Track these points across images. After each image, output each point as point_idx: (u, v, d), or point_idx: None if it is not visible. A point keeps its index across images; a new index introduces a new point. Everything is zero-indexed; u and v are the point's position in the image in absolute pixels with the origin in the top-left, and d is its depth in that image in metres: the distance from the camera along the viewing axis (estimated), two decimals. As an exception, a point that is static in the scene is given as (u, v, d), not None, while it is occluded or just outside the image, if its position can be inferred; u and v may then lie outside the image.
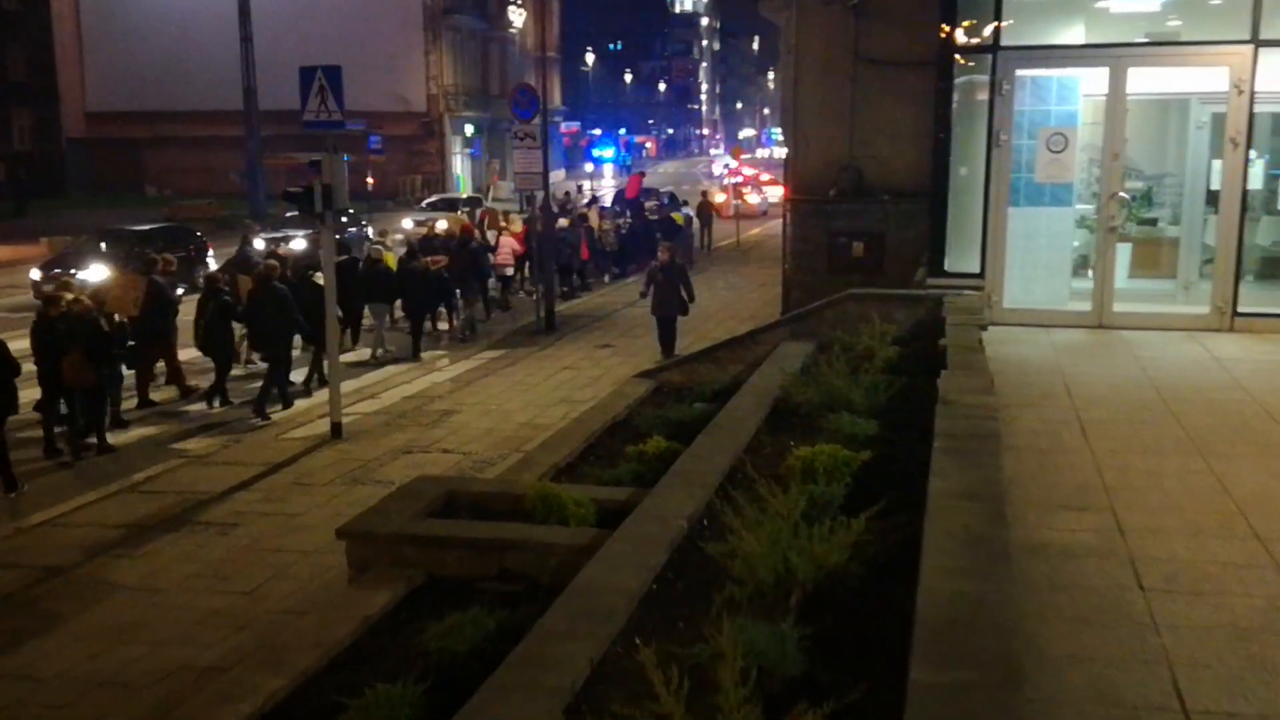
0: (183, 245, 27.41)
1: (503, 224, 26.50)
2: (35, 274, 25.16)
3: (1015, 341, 11.65)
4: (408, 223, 35.49)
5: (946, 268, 12.57)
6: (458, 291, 20.11)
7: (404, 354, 18.44)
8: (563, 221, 26.22)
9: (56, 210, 47.54)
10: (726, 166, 76.47)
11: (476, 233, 24.22)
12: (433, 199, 42.79)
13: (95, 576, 9.13)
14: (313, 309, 14.60)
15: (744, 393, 9.20)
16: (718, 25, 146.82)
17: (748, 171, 60.61)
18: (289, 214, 29.47)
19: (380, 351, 18.27)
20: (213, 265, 26.46)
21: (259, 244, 23.83)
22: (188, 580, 9.00)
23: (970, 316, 10.23)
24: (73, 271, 24.66)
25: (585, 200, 37.98)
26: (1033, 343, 11.77)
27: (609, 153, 76.25)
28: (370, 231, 33.27)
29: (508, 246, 24.02)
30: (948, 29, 12.41)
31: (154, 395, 15.53)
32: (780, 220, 20.47)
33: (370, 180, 49.52)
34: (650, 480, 7.58)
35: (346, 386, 15.22)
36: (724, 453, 7.45)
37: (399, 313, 19.76)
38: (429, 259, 19.47)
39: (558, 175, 75.50)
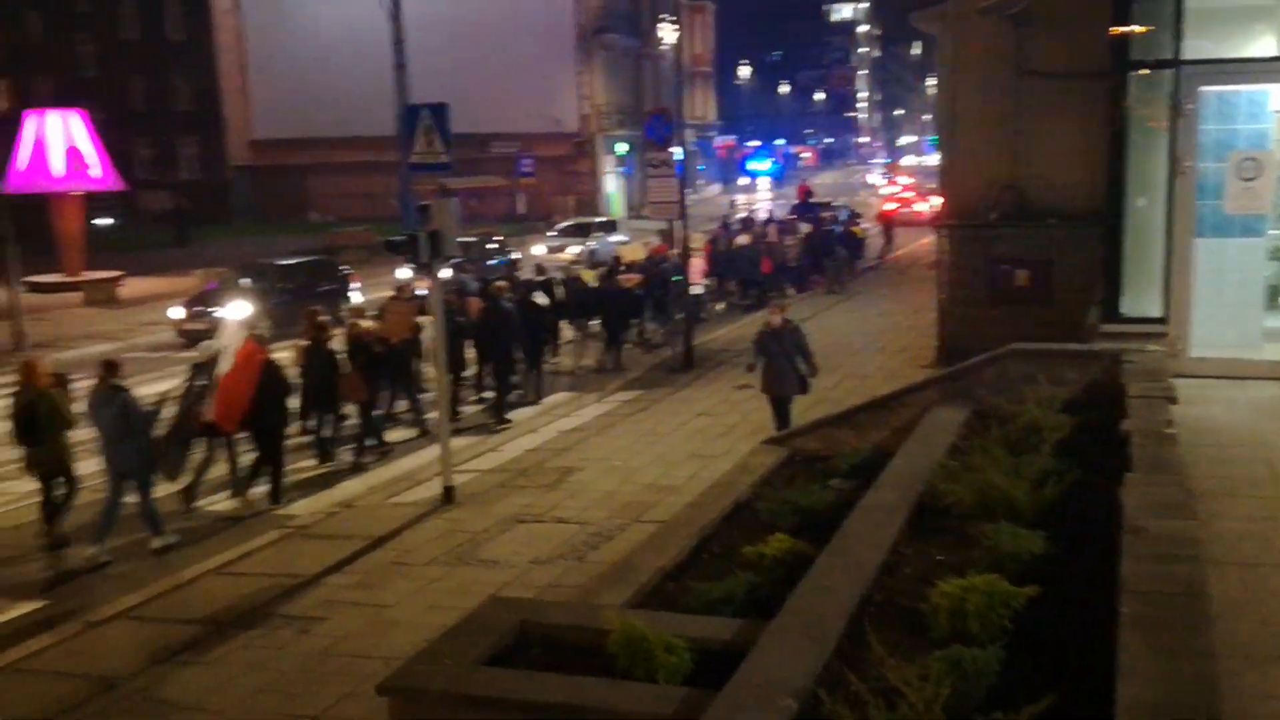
0: (327, 278, 27.27)
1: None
2: (178, 312, 25.12)
3: (1204, 400, 9.92)
4: (539, 248, 34.70)
5: (1123, 310, 10.92)
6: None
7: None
8: (743, 238, 27.32)
9: (220, 238, 48.59)
10: (885, 176, 74.28)
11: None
12: (566, 224, 41.92)
13: (149, 692, 8.24)
14: (535, 328, 17.04)
15: (883, 483, 7.75)
16: (877, 32, 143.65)
17: (903, 180, 58.81)
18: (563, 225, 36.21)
19: (586, 364, 19.84)
20: (356, 298, 26.30)
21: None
22: (251, 699, 8.04)
23: (1155, 384, 8.57)
24: (214, 310, 24.67)
25: (743, 215, 37.04)
26: (1225, 402, 10.02)
27: (764, 165, 74.60)
28: (514, 256, 32.84)
29: (697, 265, 24.25)
30: (1121, 40, 10.72)
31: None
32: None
33: (521, 203, 49.21)
34: (767, 600, 6.27)
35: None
36: (854, 578, 6.06)
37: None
38: (625, 277, 20.87)
39: (712, 190, 74.67)
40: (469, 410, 17.23)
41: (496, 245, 33.41)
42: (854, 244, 32.31)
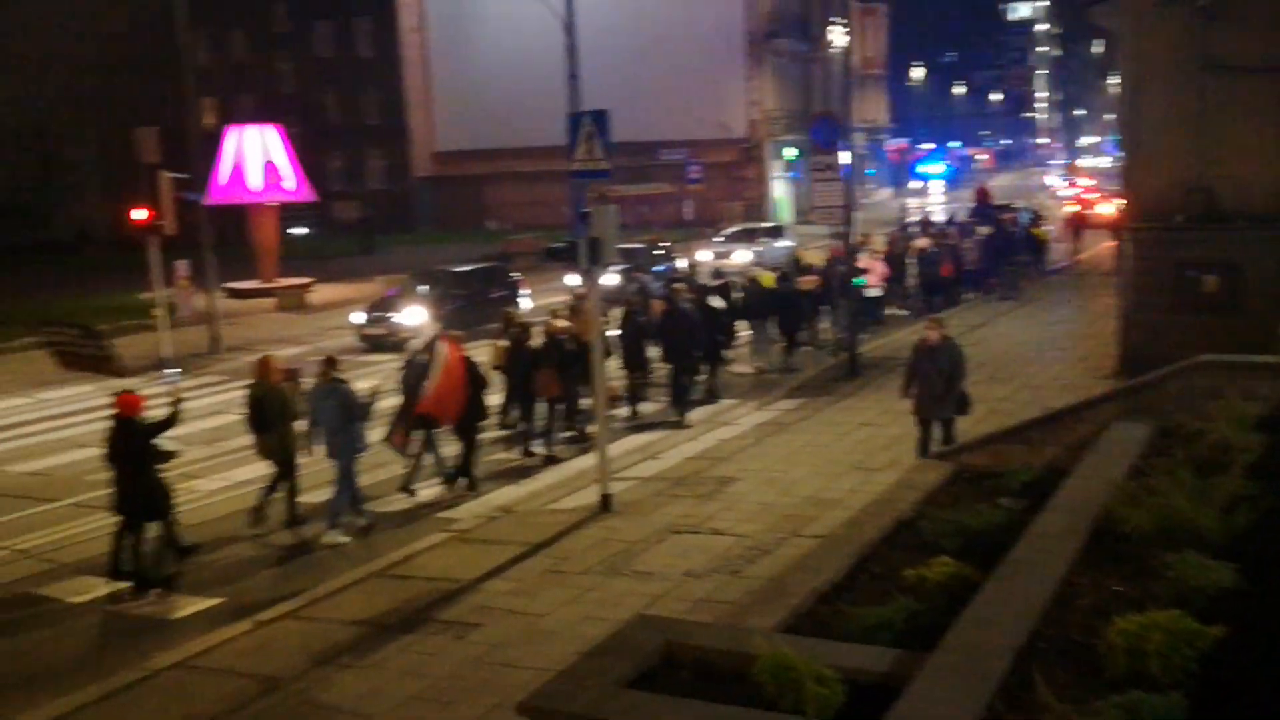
0: (498, 285, 27.73)
1: (868, 246, 27.40)
2: (359, 317, 25.90)
3: None
4: (705, 254, 34.50)
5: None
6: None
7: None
8: (922, 241, 27.24)
9: (404, 246, 50.13)
10: (1064, 178, 71.58)
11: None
12: (732, 230, 41.62)
13: (309, 694, 8.38)
14: (712, 329, 17.52)
15: (1056, 505, 7.28)
16: (1056, 30, 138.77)
17: (1084, 182, 56.69)
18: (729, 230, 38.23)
19: (762, 364, 20.07)
20: (525, 305, 26.68)
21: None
22: (406, 705, 8.08)
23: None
24: (392, 315, 25.35)
25: (919, 218, 36.36)
26: None
27: (936, 169, 72.59)
28: (679, 262, 32.82)
29: (877, 268, 24.55)
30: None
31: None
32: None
33: (686, 208, 49.16)
34: (927, 629, 5.94)
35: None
36: (1021, 610, 5.67)
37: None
38: (803, 279, 21.04)
39: (883, 194, 73.27)
40: (649, 408, 17.54)
41: (662, 251, 33.42)
42: (1037, 247, 31.67)
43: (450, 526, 12.39)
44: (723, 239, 39.40)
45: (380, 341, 24.31)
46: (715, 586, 9.85)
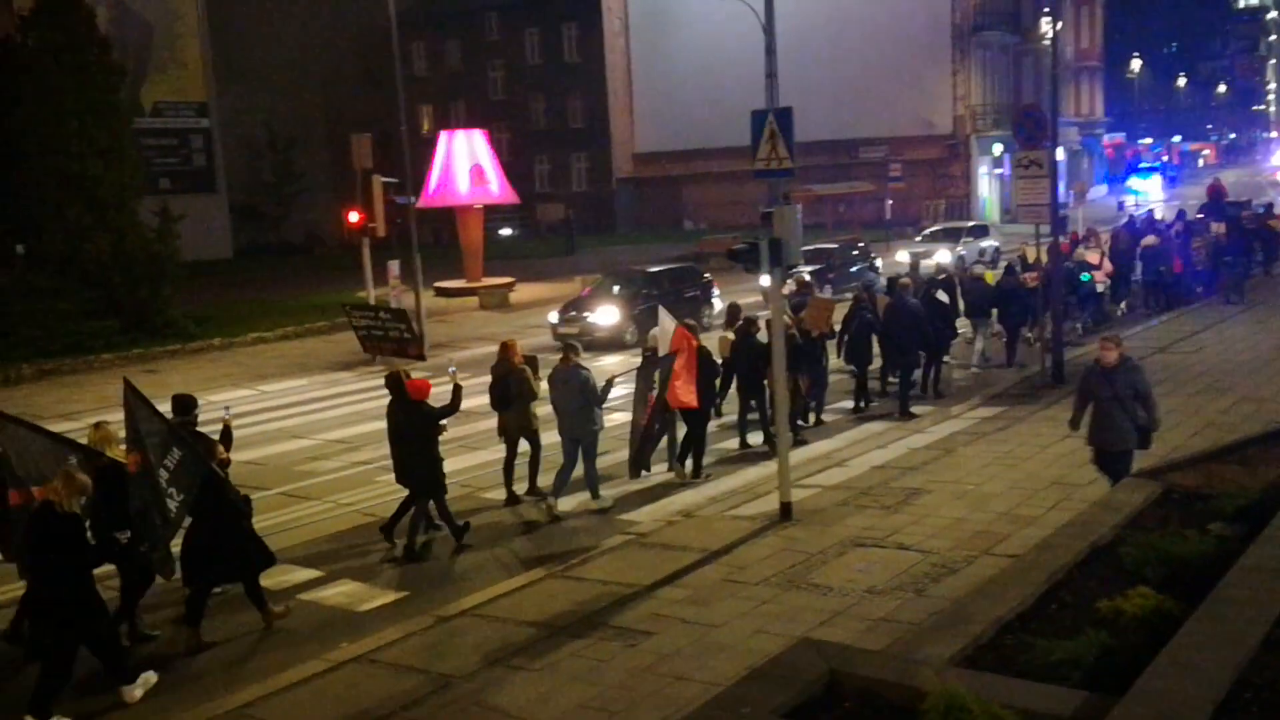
0: (690, 285, 27.71)
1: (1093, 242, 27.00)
2: (554, 317, 26.32)
3: None
4: (903, 255, 33.55)
5: None
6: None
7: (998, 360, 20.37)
8: (1150, 239, 26.60)
9: (604, 246, 50.84)
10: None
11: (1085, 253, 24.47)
12: (934, 228, 40.42)
13: (479, 696, 8.34)
14: (937, 324, 17.62)
15: (1271, 538, 6.61)
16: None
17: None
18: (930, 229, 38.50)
19: (979, 361, 20.14)
20: (718, 305, 26.59)
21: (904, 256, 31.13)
22: (574, 712, 7.94)
23: None
24: (585, 315, 25.61)
25: (1145, 214, 34.88)
26: None
27: (1146, 181, 67.85)
28: (877, 262, 32.12)
29: (1104, 264, 24.23)
30: None
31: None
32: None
33: (889, 206, 48.04)
34: (1120, 668, 5.46)
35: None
36: (1227, 654, 5.12)
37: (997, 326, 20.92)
38: (1026, 275, 20.69)
39: (1099, 190, 69.91)
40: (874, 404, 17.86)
41: (859, 251, 32.75)
42: (1272, 240, 30.31)
43: (629, 529, 12.30)
44: (922, 238, 38.35)
45: (574, 340, 24.51)
46: (897, 606, 9.41)
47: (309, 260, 50.55)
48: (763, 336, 14.74)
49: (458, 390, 12.20)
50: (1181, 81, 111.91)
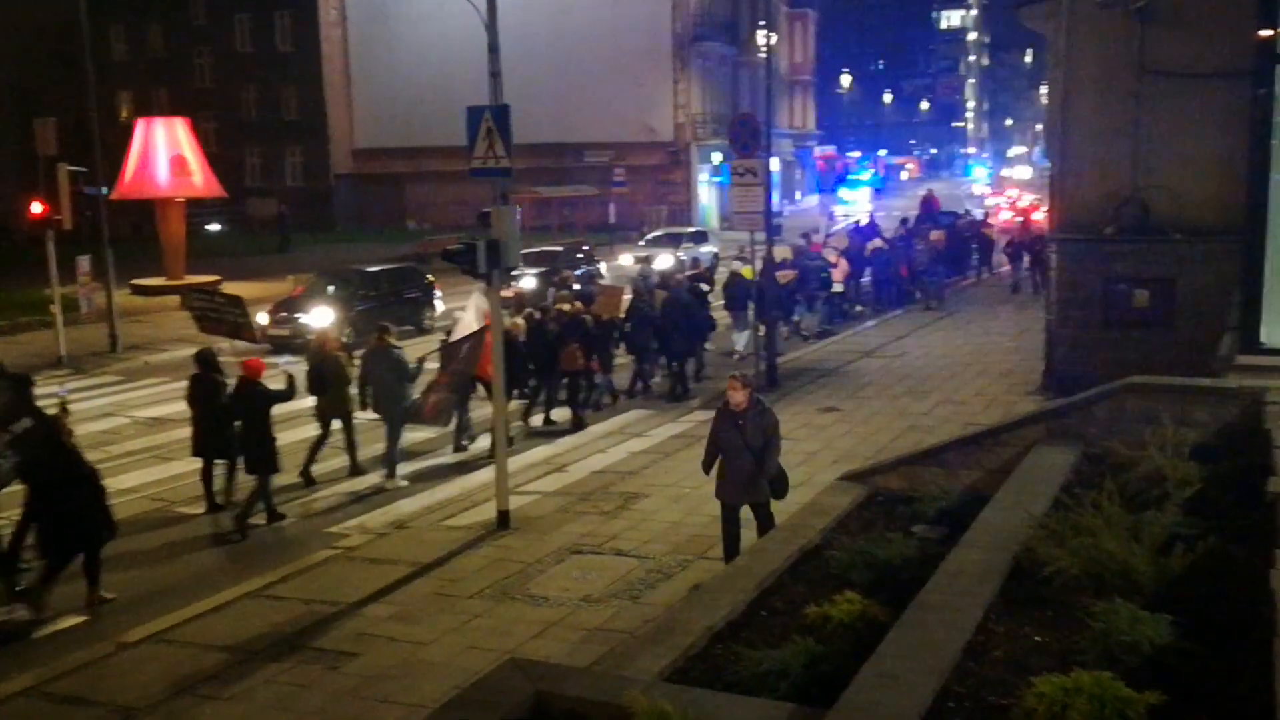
0: (411, 286, 26.87)
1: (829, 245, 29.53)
2: (263, 318, 24.86)
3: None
4: (627, 259, 33.95)
5: (1264, 340, 9.60)
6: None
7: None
8: (877, 241, 28.40)
9: (321, 244, 48.81)
10: (990, 187, 72.12)
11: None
12: (655, 234, 41.12)
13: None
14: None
15: (973, 540, 6.71)
16: (987, 39, 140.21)
17: (1013, 193, 57.38)
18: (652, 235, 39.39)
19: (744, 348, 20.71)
20: (440, 307, 25.91)
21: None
22: (263, 746, 7.30)
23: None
24: (298, 316, 24.32)
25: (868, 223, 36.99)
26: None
27: (862, 181, 72.28)
28: (603, 267, 32.26)
29: (842, 265, 25.94)
30: (1269, 32, 9.47)
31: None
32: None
33: (612, 210, 48.49)
34: (828, 677, 5.37)
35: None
36: (930, 664, 5.06)
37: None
38: (781, 272, 21.42)
39: (810, 200, 73.18)
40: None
41: (583, 255, 32.76)
42: (987, 246, 34.00)
43: (336, 543, 11.59)
44: (646, 243, 38.84)
45: (285, 342, 23.23)
46: (613, 614, 9.18)
47: (-9, 253, 46.25)
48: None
49: (291, 380, 12.82)
50: (888, 98, 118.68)
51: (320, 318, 24.04)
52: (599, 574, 10.15)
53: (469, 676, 7.49)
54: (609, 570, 10.22)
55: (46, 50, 56.72)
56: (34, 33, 57.41)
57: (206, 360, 12.96)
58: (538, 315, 16.68)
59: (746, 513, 9.76)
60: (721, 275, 23.94)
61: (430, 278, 27.92)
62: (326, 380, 14.00)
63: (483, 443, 14.78)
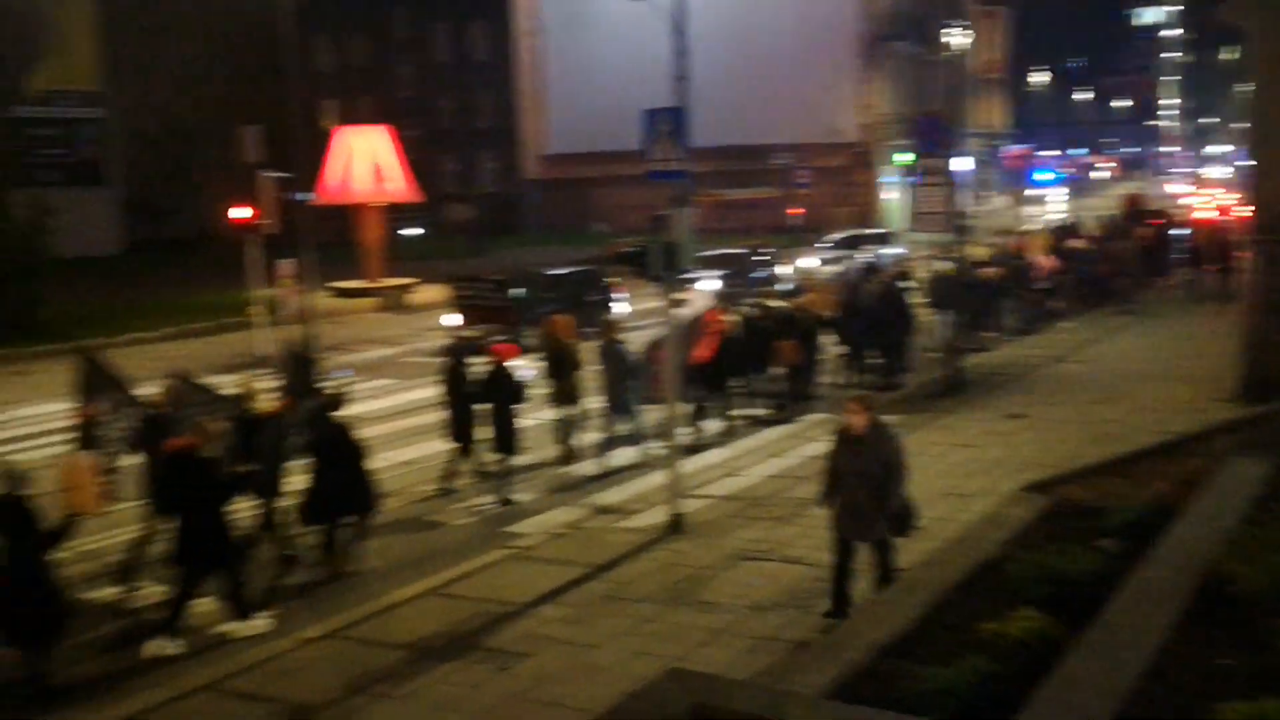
0: (591, 289, 27.23)
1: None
2: (451, 319, 25.60)
3: None
4: (810, 261, 33.58)
5: None
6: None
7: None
8: (1078, 241, 28.19)
9: (512, 248, 50.06)
10: (1192, 187, 68.76)
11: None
12: (839, 235, 40.36)
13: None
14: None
15: (1159, 556, 6.38)
16: (1187, 36, 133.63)
17: (1213, 191, 54.66)
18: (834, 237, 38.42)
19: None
20: (622, 309, 26.24)
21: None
22: (433, 744, 7.49)
23: None
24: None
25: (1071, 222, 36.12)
26: None
27: (1049, 177, 69.68)
28: (784, 269, 32.04)
29: (1045, 263, 25.47)
30: None
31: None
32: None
33: (792, 213, 48.06)
34: (1000, 698, 5.17)
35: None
36: (1110, 686, 4.83)
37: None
38: (985, 270, 21.90)
39: (1000, 201, 71.01)
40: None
41: (765, 257, 32.59)
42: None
43: (511, 543, 11.83)
44: (829, 245, 38.37)
45: (446, 348, 23.91)
46: (782, 623, 9.08)
47: (202, 257, 49.02)
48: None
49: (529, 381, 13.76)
50: (1083, 96, 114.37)
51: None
52: (770, 581, 10.06)
53: (636, 682, 7.49)
54: (780, 577, 10.13)
55: (253, 63, 59.86)
56: (244, 45, 60.65)
57: (456, 350, 14.40)
58: (754, 312, 17.39)
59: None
60: (920, 274, 23.48)
61: (616, 280, 28.26)
62: (562, 366, 14.82)
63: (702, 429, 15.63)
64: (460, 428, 13.55)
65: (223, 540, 9.66)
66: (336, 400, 11.65)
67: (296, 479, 11.30)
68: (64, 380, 21.17)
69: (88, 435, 11.04)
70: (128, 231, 54.13)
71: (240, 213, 25.21)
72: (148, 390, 11.86)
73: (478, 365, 13.93)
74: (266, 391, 12.03)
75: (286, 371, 12.82)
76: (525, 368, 13.97)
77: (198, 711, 8.31)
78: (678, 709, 5.22)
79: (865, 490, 8.60)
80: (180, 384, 11.68)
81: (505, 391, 13.15)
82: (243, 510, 10.58)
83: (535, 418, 14.99)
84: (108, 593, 10.53)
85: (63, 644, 8.76)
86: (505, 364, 13.36)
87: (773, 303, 18.21)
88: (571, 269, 29.78)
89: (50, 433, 15.26)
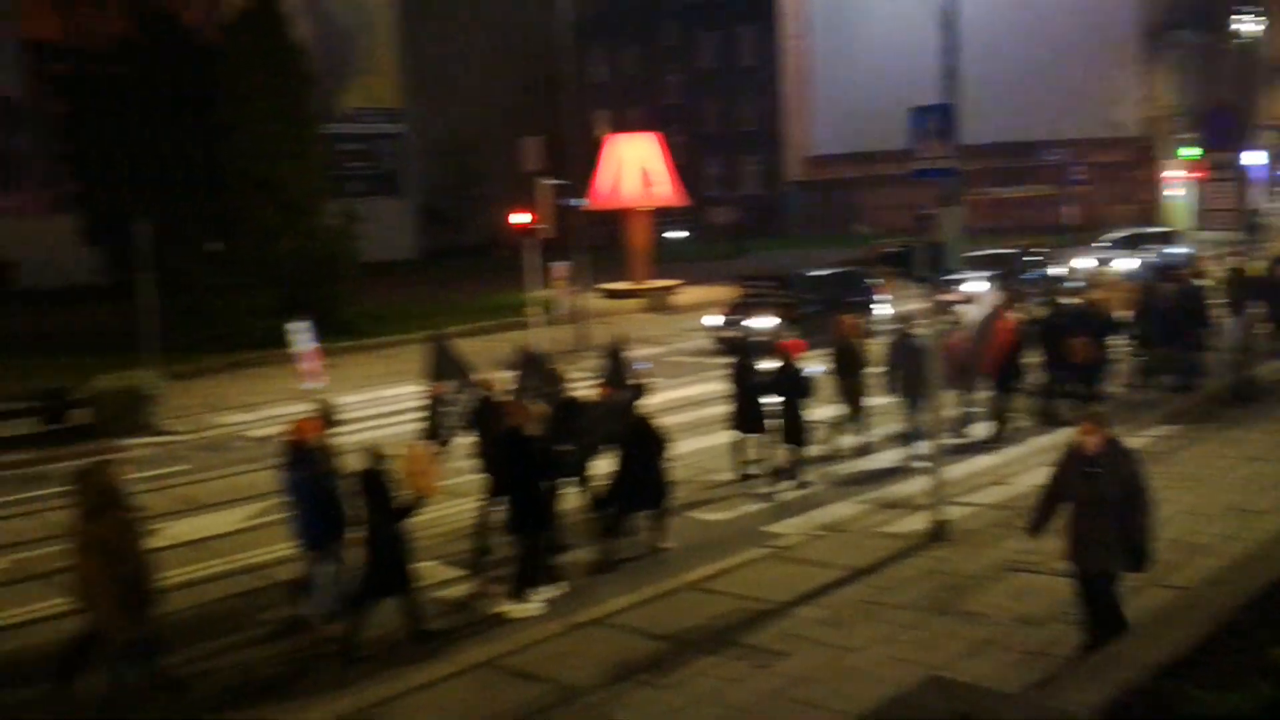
0: (853, 290, 26.95)
1: None
2: (714, 320, 25.91)
3: None
4: (1086, 261, 32.00)
5: None
6: None
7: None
8: None
9: (774, 249, 50.21)
10: None
11: None
12: (1117, 234, 38.03)
13: (601, 710, 8.13)
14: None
15: None
16: None
17: None
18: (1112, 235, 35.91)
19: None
20: (884, 311, 25.85)
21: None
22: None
23: None
24: (743, 319, 25.16)
25: None
26: None
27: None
28: (1057, 269, 30.75)
29: None
30: None
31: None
32: None
33: (1064, 211, 45.87)
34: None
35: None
36: None
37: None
38: None
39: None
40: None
41: (1038, 257, 31.34)
42: None
43: (771, 542, 11.91)
44: (1106, 244, 36.48)
45: (733, 344, 24.16)
46: (1051, 638, 8.79)
47: (487, 261, 51.65)
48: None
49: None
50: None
51: (764, 321, 24.88)
52: (1037, 594, 9.74)
53: (893, 689, 7.45)
54: (1048, 590, 9.76)
55: (534, 76, 62.50)
56: (526, 61, 63.38)
57: (743, 347, 15.26)
58: (1049, 309, 17.35)
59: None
60: (1216, 273, 22.31)
61: (879, 280, 27.86)
62: (850, 363, 15.20)
63: (975, 431, 15.79)
64: (748, 420, 13.91)
65: (545, 513, 10.53)
66: (640, 391, 12.66)
67: (600, 464, 12.11)
68: (362, 374, 22.87)
69: (435, 412, 12.29)
70: (423, 238, 57.67)
71: (520, 218, 26.49)
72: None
73: (765, 360, 14.34)
74: (587, 380, 13.23)
75: (603, 364, 13.85)
76: (813, 364, 14.31)
77: (480, 684, 8.79)
78: (939, 717, 5.18)
79: (1105, 516, 7.83)
80: (528, 359, 13.08)
81: (794, 386, 13.58)
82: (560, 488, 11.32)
83: (820, 414, 15.09)
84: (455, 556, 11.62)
85: (414, 599, 9.67)
86: (793, 359, 13.78)
87: (1064, 300, 18.02)
88: (833, 270, 29.55)
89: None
